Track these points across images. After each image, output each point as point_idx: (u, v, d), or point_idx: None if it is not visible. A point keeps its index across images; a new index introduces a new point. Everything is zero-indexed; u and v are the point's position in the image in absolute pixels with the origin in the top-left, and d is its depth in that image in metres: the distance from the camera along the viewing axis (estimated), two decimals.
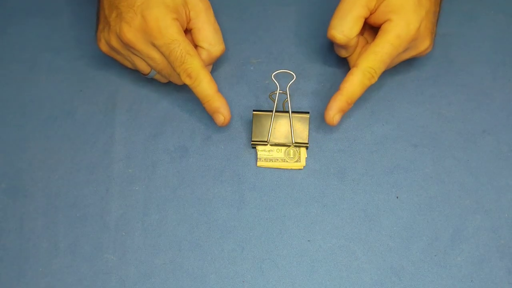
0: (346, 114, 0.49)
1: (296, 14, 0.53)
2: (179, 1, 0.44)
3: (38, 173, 0.47)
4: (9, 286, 0.43)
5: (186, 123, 0.49)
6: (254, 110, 0.47)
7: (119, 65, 0.50)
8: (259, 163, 0.47)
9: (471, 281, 0.43)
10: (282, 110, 0.48)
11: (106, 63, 0.51)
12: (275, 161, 0.47)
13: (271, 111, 0.47)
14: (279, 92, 0.47)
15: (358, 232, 0.45)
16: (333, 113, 0.44)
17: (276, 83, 0.46)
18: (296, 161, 0.47)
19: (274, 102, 0.47)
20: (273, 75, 0.46)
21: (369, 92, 0.50)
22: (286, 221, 0.45)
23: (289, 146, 0.47)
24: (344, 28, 0.44)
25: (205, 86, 0.44)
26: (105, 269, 0.44)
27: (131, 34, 0.43)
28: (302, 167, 0.47)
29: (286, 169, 0.47)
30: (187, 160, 0.48)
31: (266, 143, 0.47)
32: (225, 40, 0.49)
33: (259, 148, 0.47)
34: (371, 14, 0.45)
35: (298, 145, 0.47)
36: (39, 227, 0.45)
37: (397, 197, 0.46)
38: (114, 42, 0.45)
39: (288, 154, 0.47)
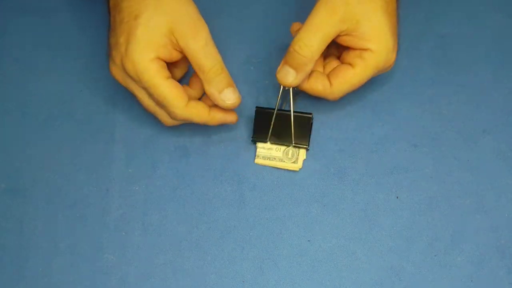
0: (346, 114, 0.49)
1: (296, 14, 0.53)
2: (164, 31, 0.42)
3: (38, 173, 0.47)
4: (9, 286, 0.43)
5: (186, 123, 0.49)
6: (257, 106, 0.47)
7: None
8: (256, 160, 0.47)
9: (471, 281, 0.43)
10: (284, 109, 0.48)
11: (106, 63, 0.51)
12: (272, 160, 0.47)
13: (274, 109, 0.47)
14: (282, 90, 0.46)
15: (358, 232, 0.45)
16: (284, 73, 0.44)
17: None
18: (293, 162, 0.47)
19: (277, 100, 0.46)
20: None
21: (369, 92, 0.50)
22: (286, 221, 0.45)
23: (289, 146, 0.47)
24: (313, 43, 0.42)
25: (196, 119, 0.44)
26: (105, 269, 0.44)
27: (115, 71, 0.44)
28: (298, 169, 0.47)
29: (283, 169, 0.47)
30: (187, 160, 0.48)
31: (266, 140, 0.47)
32: (225, 40, 0.49)
33: (258, 145, 0.47)
34: (339, 36, 0.43)
35: (297, 146, 0.47)
36: (39, 227, 0.45)
37: (397, 197, 0.46)
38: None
39: (287, 154, 0.47)
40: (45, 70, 0.51)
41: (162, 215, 0.46)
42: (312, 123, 0.48)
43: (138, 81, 0.42)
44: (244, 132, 0.49)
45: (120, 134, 0.48)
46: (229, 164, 0.47)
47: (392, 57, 0.44)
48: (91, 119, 0.49)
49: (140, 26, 0.41)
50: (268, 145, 0.47)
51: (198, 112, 0.44)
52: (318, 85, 0.44)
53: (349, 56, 0.44)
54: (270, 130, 0.47)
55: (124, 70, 0.42)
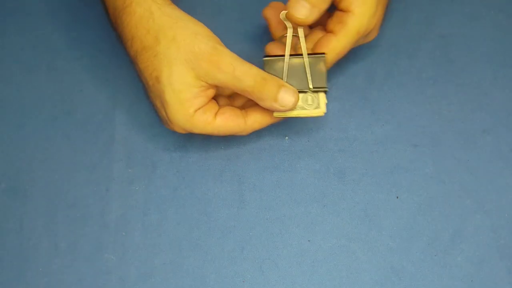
0: (346, 114, 0.49)
1: None
2: (189, 81, 0.40)
3: (38, 173, 0.47)
4: (9, 286, 0.43)
5: None
6: (264, 57, 0.43)
7: (119, 65, 0.50)
8: (275, 113, 0.43)
9: (471, 281, 0.43)
10: (295, 54, 0.44)
11: (106, 63, 0.51)
12: (293, 110, 0.43)
13: (283, 55, 0.43)
14: (289, 32, 0.42)
15: (358, 232, 0.45)
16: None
17: (287, 23, 0.43)
18: (316, 108, 0.43)
19: (286, 45, 0.43)
20: (282, 16, 0.42)
21: (369, 92, 0.50)
22: (286, 221, 0.45)
23: (306, 92, 0.43)
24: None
25: (258, 127, 0.44)
26: (105, 269, 0.44)
27: (172, 129, 0.43)
28: (323, 114, 0.43)
29: (306, 117, 0.44)
30: (187, 160, 0.48)
31: None
32: (225, 40, 0.48)
33: None
34: None
35: (316, 89, 0.43)
36: (39, 227, 0.45)
37: (397, 197, 0.46)
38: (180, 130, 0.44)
39: (306, 100, 0.43)
40: (45, 70, 0.51)
41: (162, 215, 0.46)
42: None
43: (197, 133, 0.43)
44: None
45: (120, 134, 0.48)
46: (229, 165, 0.47)
47: (373, 22, 0.44)
48: (91, 119, 0.49)
49: (166, 90, 0.40)
50: None
51: (256, 126, 0.44)
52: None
53: (332, 22, 0.44)
54: (285, 78, 0.43)
55: (179, 129, 0.43)
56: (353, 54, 0.52)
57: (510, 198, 0.46)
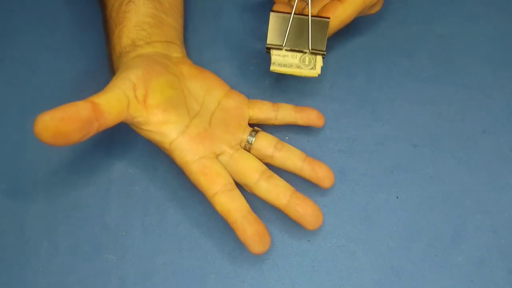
0: (346, 114, 0.49)
1: None
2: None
3: (38, 173, 0.47)
4: (9, 286, 0.43)
5: None
6: (272, 10, 0.44)
7: None
8: (272, 67, 0.45)
9: (471, 281, 0.43)
10: (301, 13, 0.45)
11: (106, 63, 0.51)
12: (289, 67, 0.44)
13: (290, 13, 0.44)
14: None
15: (358, 232, 0.45)
16: None
17: None
18: (311, 69, 0.44)
19: (294, 4, 0.44)
20: None
21: (369, 92, 0.50)
22: (286, 221, 0.45)
23: (305, 52, 0.45)
24: None
25: None
26: (105, 269, 0.44)
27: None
28: (316, 75, 0.45)
29: (301, 76, 0.45)
30: None
31: (282, 47, 0.45)
32: (225, 40, 0.49)
33: (273, 52, 0.45)
34: None
35: (314, 51, 0.44)
36: (39, 227, 0.45)
37: (397, 197, 0.46)
38: None
39: (304, 61, 0.44)
40: (45, 70, 0.51)
41: (162, 215, 0.46)
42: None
43: None
44: None
45: (120, 134, 0.48)
46: None
47: None
48: None
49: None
50: (283, 52, 0.45)
51: None
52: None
53: None
54: (287, 35, 0.44)
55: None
56: (353, 54, 0.52)
57: (510, 198, 0.46)
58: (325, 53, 0.44)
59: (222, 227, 0.45)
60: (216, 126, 0.44)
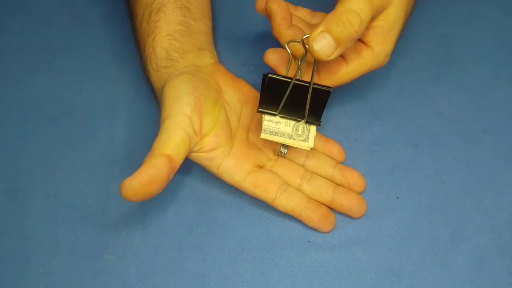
0: (346, 114, 0.49)
1: None
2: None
3: (38, 173, 0.47)
4: (9, 286, 0.43)
5: None
6: (269, 74, 0.40)
7: (119, 65, 0.50)
8: (262, 135, 0.43)
9: (471, 281, 0.43)
10: (301, 80, 0.41)
11: (106, 63, 0.51)
12: (281, 136, 0.42)
13: (290, 78, 0.40)
14: (303, 58, 0.39)
15: (358, 232, 0.45)
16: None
17: (304, 48, 0.39)
18: (304, 140, 0.42)
19: (298, 69, 0.40)
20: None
21: (369, 92, 0.50)
22: (286, 221, 0.45)
23: (299, 121, 0.42)
24: (366, 12, 0.37)
25: None
26: (105, 269, 0.44)
27: None
28: (309, 149, 0.43)
29: (291, 146, 0.44)
30: (187, 160, 0.47)
31: (276, 114, 0.42)
32: (226, 40, 0.49)
33: (265, 117, 0.42)
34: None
35: (310, 122, 0.42)
36: (39, 227, 0.45)
37: (397, 197, 0.46)
38: None
39: (297, 129, 0.42)
40: (45, 70, 0.51)
41: (162, 215, 0.46)
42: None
43: None
44: None
45: (120, 134, 0.48)
46: None
47: (388, 59, 0.44)
48: (91, 119, 0.49)
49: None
50: (276, 118, 0.42)
51: None
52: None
53: (348, 50, 0.42)
54: (283, 102, 0.41)
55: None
56: None
57: (510, 198, 0.46)
58: (320, 124, 0.42)
59: (222, 227, 0.45)
60: (254, 140, 0.45)
